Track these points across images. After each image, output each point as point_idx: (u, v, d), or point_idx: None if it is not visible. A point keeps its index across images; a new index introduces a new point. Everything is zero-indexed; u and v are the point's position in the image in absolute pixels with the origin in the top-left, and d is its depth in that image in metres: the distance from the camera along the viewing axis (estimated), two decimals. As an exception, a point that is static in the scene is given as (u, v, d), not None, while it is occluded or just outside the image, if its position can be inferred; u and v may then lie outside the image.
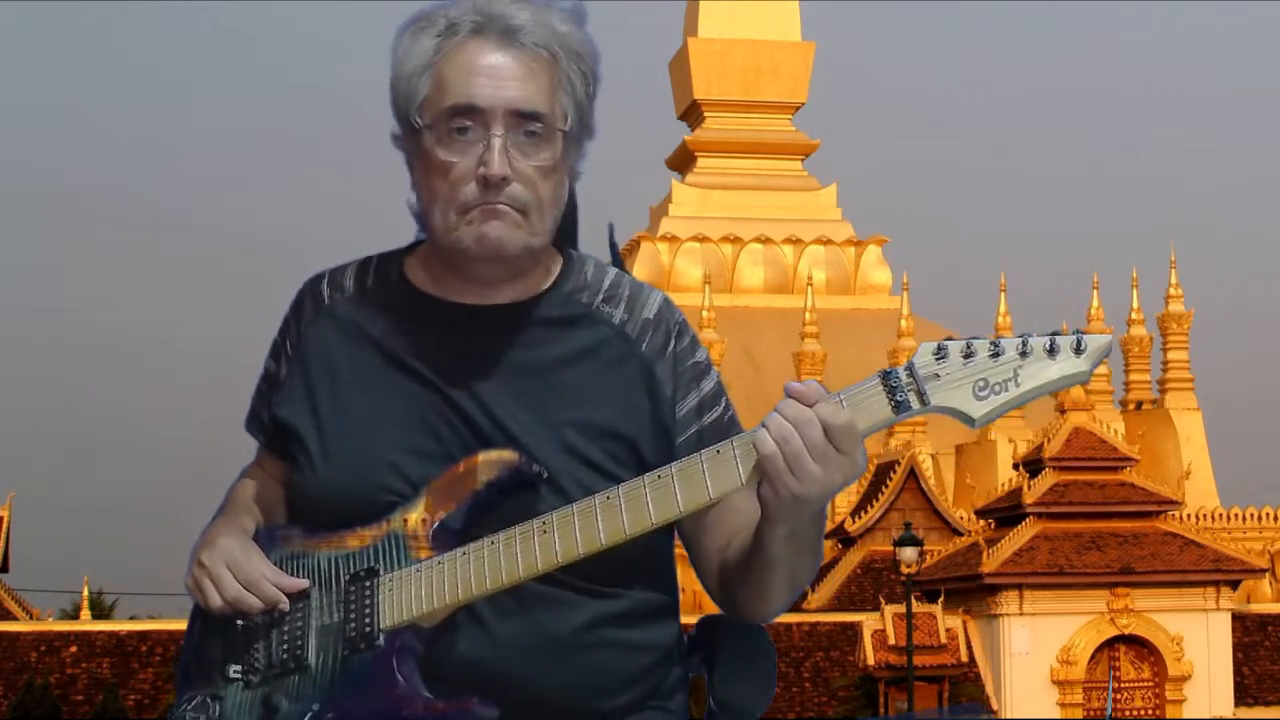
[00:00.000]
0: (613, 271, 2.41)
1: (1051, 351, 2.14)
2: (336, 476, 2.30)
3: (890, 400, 2.15)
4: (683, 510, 2.17)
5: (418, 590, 2.21)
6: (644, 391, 2.32)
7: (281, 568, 2.29)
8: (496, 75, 2.27)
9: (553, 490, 2.24)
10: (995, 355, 2.15)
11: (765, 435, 2.14)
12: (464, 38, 2.29)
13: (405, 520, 2.25)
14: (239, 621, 2.29)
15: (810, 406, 2.14)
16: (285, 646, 2.26)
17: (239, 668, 2.28)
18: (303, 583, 2.27)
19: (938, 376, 2.15)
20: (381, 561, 2.24)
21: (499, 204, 2.26)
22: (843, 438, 2.13)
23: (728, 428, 2.35)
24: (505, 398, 2.28)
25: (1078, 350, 2.14)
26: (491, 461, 2.23)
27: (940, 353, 2.15)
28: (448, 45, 2.29)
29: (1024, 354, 2.14)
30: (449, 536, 2.23)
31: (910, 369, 2.15)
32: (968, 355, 2.15)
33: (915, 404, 2.15)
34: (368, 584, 2.24)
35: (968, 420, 2.15)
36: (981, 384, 2.14)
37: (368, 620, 2.22)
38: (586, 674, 2.25)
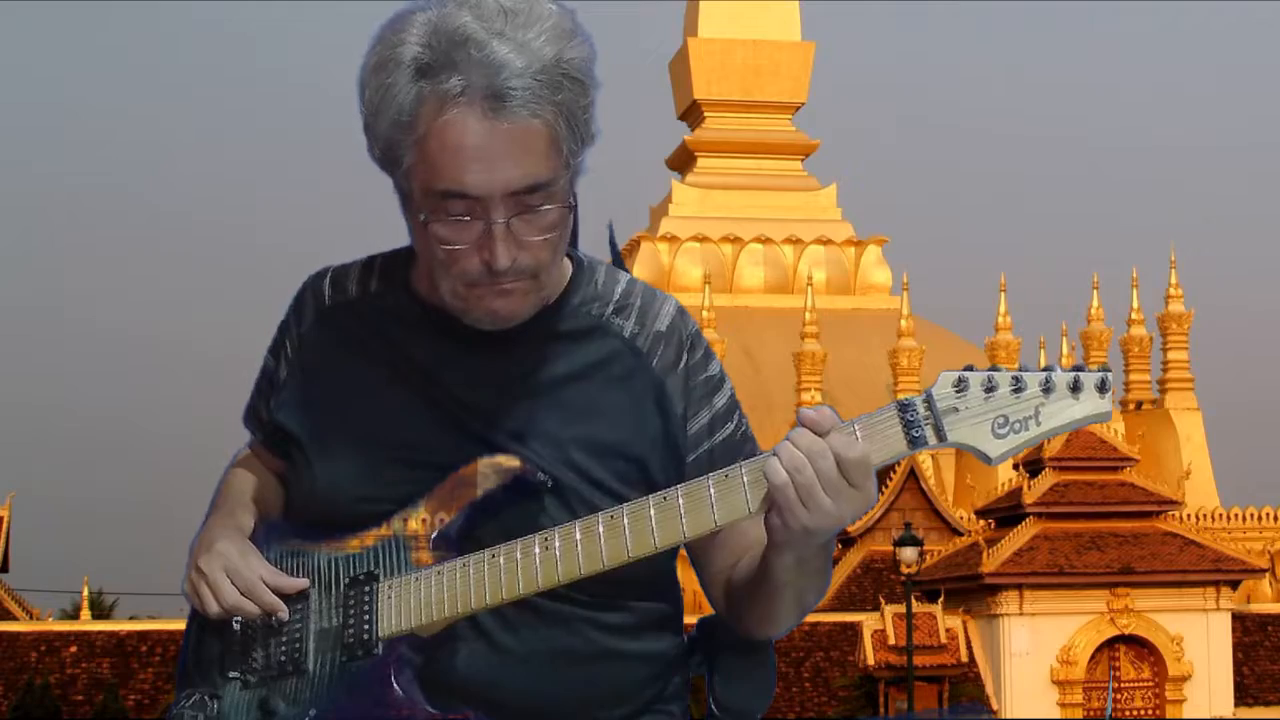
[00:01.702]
0: (624, 279, 2.33)
1: (1075, 389, 2.07)
2: (334, 484, 2.26)
3: (906, 434, 2.07)
4: (687, 536, 2.13)
5: (417, 600, 2.18)
6: (654, 408, 2.26)
7: (280, 564, 2.26)
8: (489, 157, 2.09)
9: (557, 508, 2.19)
10: (1017, 390, 2.07)
11: (777, 465, 2.07)
12: (446, 106, 2.08)
13: (406, 524, 2.21)
14: (236, 621, 2.26)
15: (824, 436, 2.07)
16: (284, 649, 2.23)
17: (237, 668, 2.25)
18: (302, 582, 2.24)
19: (956, 410, 2.07)
20: (381, 565, 2.21)
21: (508, 285, 2.15)
22: (855, 471, 2.07)
23: (740, 445, 2.29)
24: (510, 414, 2.22)
25: (1102, 388, 2.07)
26: (493, 469, 2.19)
27: (960, 385, 2.07)
28: (428, 107, 2.09)
29: (1047, 390, 2.07)
30: (449, 543, 2.19)
31: (929, 401, 2.08)
32: (989, 389, 2.07)
33: (931, 439, 2.07)
34: (367, 589, 2.20)
35: (984, 459, 2.08)
36: (1001, 420, 2.07)
37: (366, 628, 2.19)
38: (587, 685, 2.22)
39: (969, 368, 2.10)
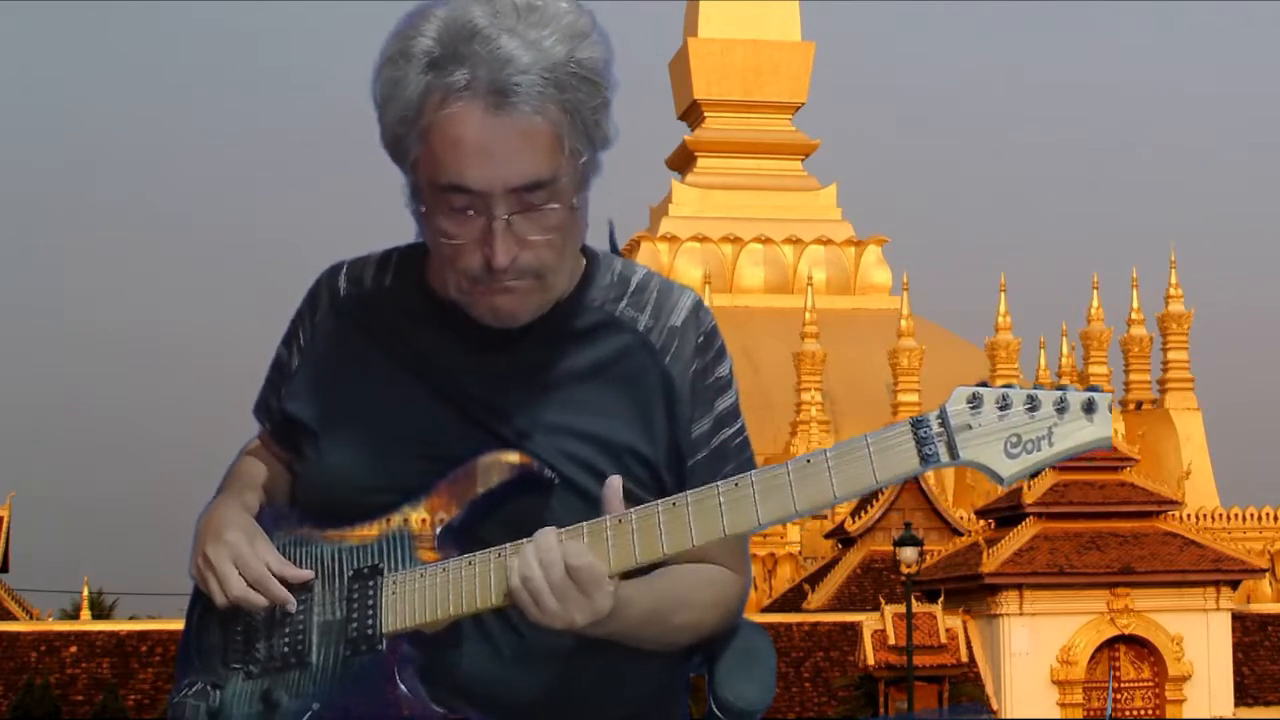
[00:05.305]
0: (641, 271, 2.32)
1: (1089, 410, 2.03)
2: (341, 474, 2.26)
3: (918, 450, 2.04)
4: (696, 543, 2.12)
5: (423, 597, 2.18)
6: (663, 408, 2.25)
7: (285, 552, 2.25)
8: (490, 153, 2.10)
9: (565, 506, 2.19)
10: (1032, 409, 2.03)
11: (515, 566, 2.11)
12: (451, 98, 2.09)
13: (410, 518, 2.22)
14: (244, 617, 2.25)
15: (609, 513, 2.11)
16: (287, 640, 2.23)
17: (239, 658, 2.25)
18: (307, 574, 2.23)
19: (970, 428, 2.04)
20: (386, 559, 2.21)
21: (510, 283, 2.15)
22: (580, 579, 2.09)
23: (738, 450, 2.29)
24: (520, 410, 2.23)
25: (1106, 409, 2.04)
26: (499, 464, 2.19)
27: (974, 401, 2.04)
28: (433, 99, 2.10)
29: (1061, 410, 2.03)
30: (453, 537, 2.20)
31: (943, 417, 2.04)
32: (1003, 407, 2.03)
33: (944, 456, 2.04)
34: (371, 583, 2.20)
35: (996, 478, 2.06)
36: (1014, 440, 2.03)
37: (370, 622, 2.19)
38: (589, 685, 2.23)
39: (983, 383, 2.07)
